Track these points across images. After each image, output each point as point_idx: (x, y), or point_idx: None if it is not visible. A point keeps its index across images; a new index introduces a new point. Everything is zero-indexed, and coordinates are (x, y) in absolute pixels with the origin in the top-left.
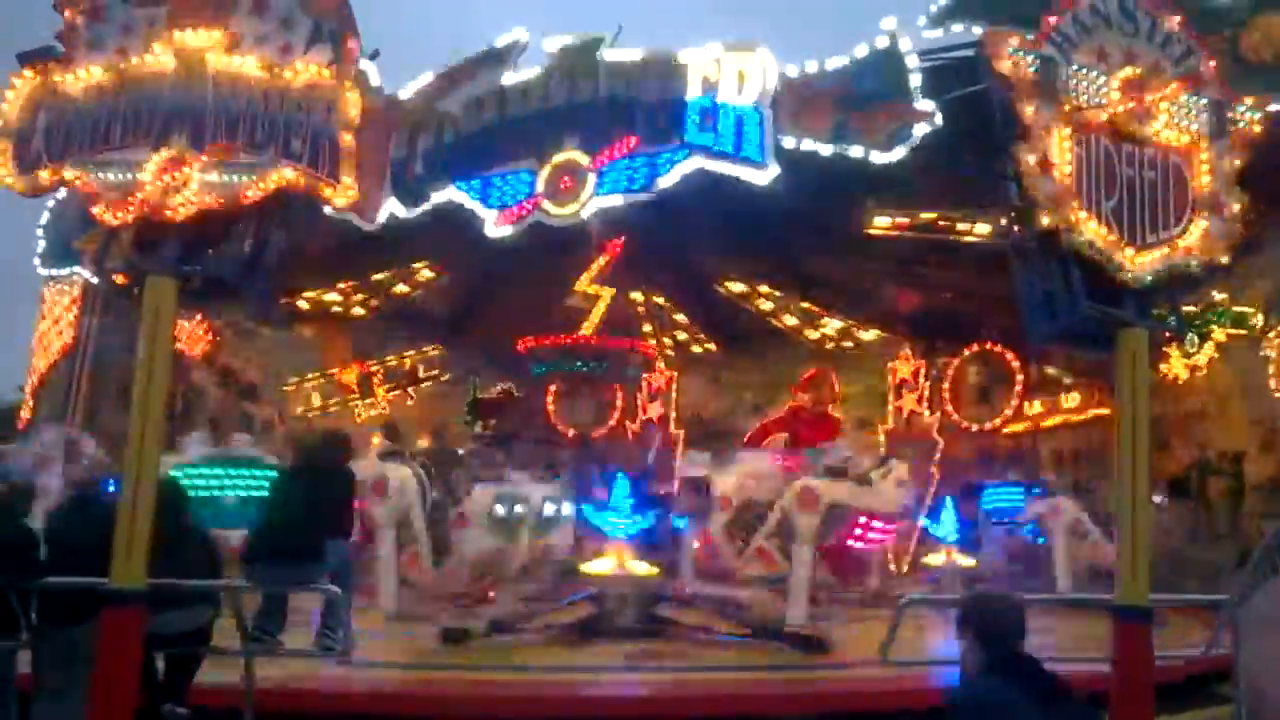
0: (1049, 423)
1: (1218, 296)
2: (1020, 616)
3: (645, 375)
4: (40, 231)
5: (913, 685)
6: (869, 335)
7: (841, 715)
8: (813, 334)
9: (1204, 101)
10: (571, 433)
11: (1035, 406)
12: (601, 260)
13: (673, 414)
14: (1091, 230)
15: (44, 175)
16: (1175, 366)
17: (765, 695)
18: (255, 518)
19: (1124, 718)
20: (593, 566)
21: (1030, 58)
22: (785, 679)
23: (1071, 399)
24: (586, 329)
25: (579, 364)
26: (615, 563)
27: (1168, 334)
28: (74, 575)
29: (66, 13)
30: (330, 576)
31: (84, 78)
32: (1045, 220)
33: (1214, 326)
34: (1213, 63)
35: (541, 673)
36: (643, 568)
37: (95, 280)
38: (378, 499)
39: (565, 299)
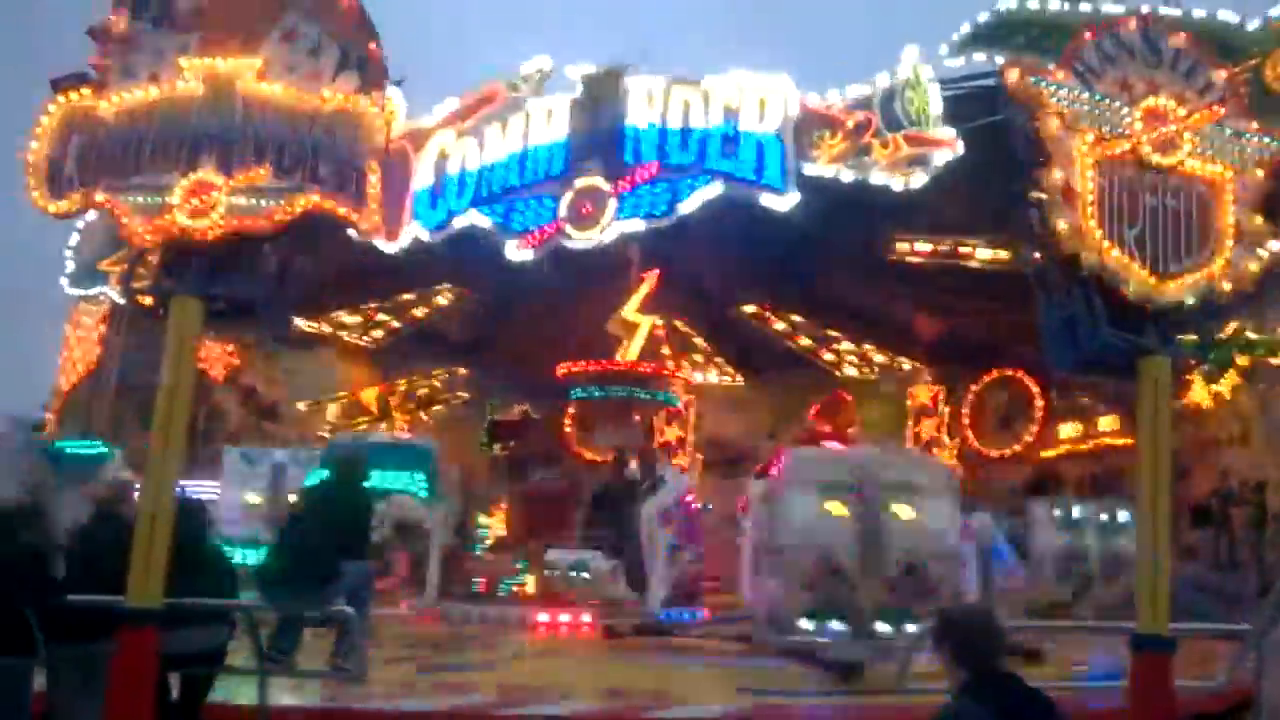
0: (1084, 447)
1: (1240, 324)
2: (999, 632)
3: (683, 401)
4: (68, 253)
5: None
6: (888, 361)
7: None
8: (831, 359)
9: (1228, 132)
10: (600, 457)
11: (1070, 430)
12: (644, 289)
13: (690, 438)
14: (1113, 258)
15: (75, 198)
16: (1198, 394)
17: None
18: (273, 540)
19: None
20: None
21: (1052, 88)
22: None
23: (1108, 422)
24: (624, 355)
25: (619, 389)
26: None
27: (1192, 362)
28: (93, 593)
29: (99, 39)
30: (346, 598)
31: (116, 103)
32: (1067, 248)
33: (1237, 354)
34: (1237, 93)
35: None
36: None
37: (121, 301)
38: None
39: (600, 324)
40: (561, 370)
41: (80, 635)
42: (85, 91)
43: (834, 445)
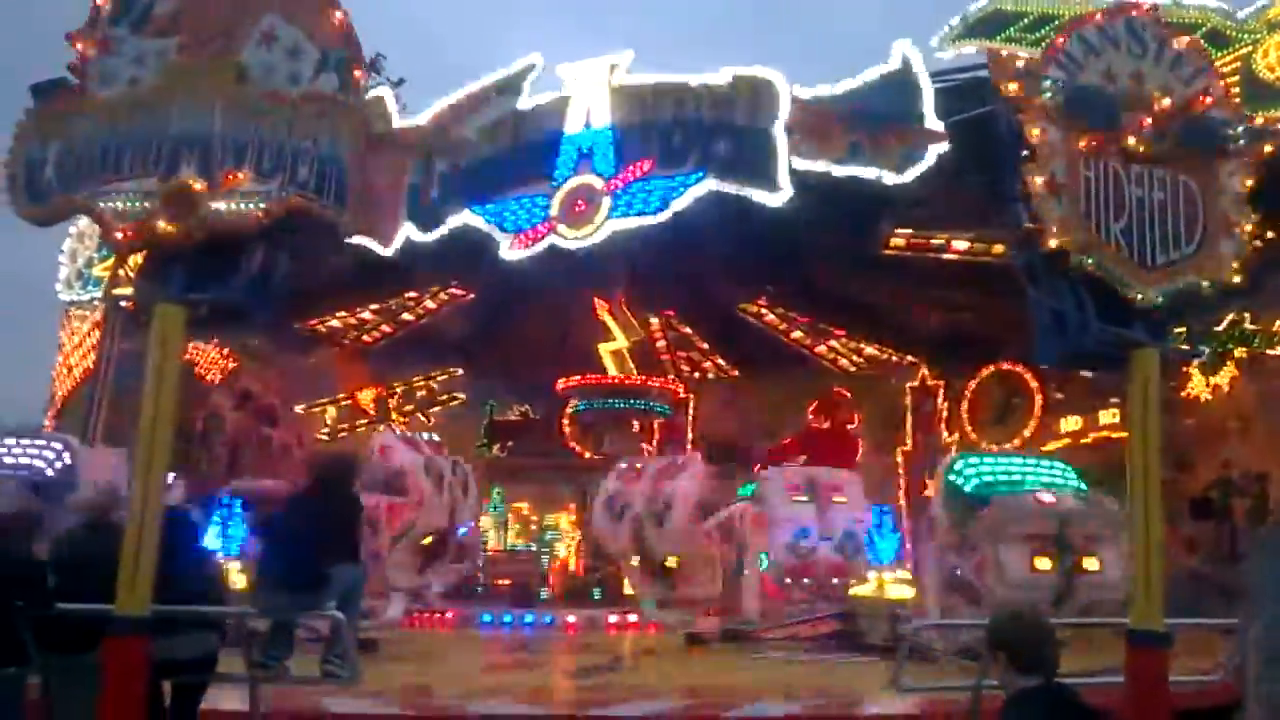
0: (1085, 440)
1: (1237, 316)
2: (1053, 638)
3: (674, 413)
4: (61, 257)
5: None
6: (886, 356)
7: None
8: (829, 355)
9: (1214, 121)
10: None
11: (1072, 422)
12: (607, 314)
13: (689, 436)
14: (1101, 251)
15: (55, 204)
16: (1197, 386)
17: None
18: (262, 544)
19: None
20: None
21: (1036, 79)
22: None
23: (1110, 415)
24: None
25: (616, 402)
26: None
27: (1185, 352)
28: (83, 602)
29: (79, 45)
30: (338, 603)
31: (95, 108)
32: (1054, 241)
33: (1234, 346)
34: (1223, 82)
35: None
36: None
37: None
38: None
39: (584, 330)
40: (560, 385)
41: (72, 645)
42: (65, 97)
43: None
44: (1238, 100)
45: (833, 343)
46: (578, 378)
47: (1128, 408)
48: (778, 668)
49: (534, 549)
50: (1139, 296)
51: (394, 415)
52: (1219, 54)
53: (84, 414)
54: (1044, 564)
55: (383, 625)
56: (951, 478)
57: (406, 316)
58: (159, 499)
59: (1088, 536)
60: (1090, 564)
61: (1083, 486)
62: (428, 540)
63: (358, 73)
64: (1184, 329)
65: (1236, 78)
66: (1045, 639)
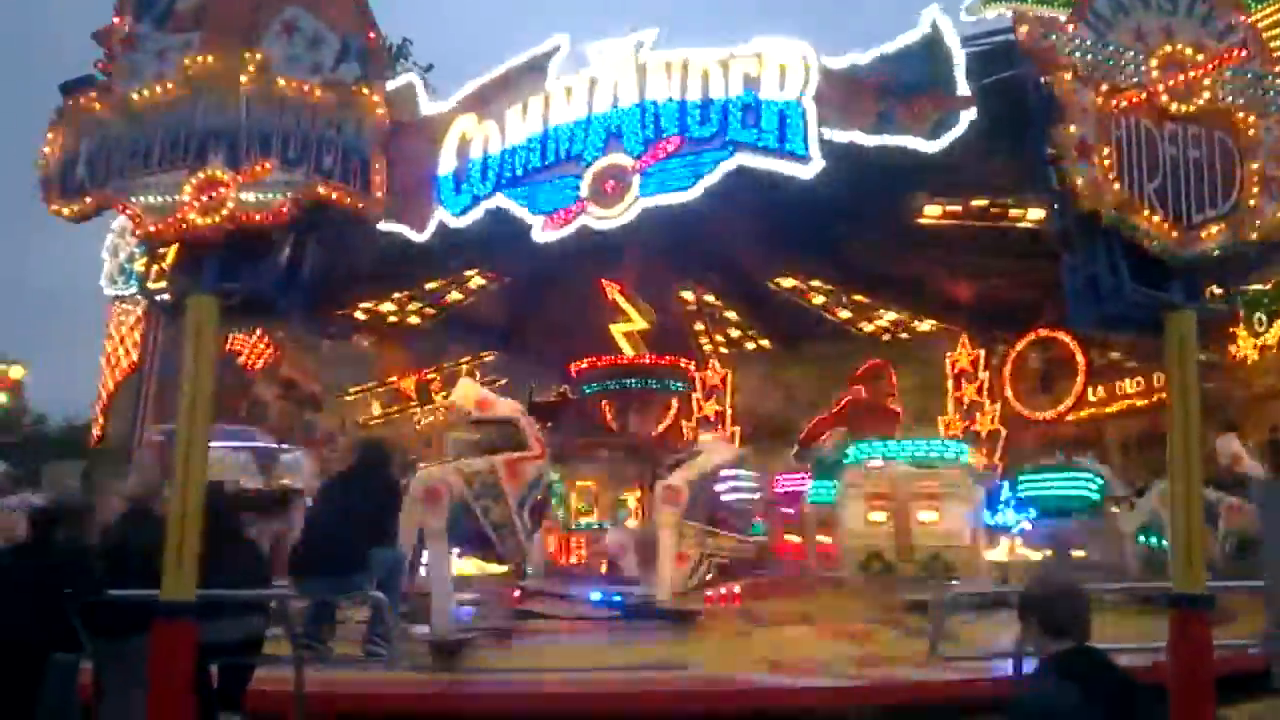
0: (1112, 409)
1: None
2: (1085, 606)
3: (690, 389)
4: (104, 254)
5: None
6: (925, 326)
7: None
8: (868, 327)
9: (1250, 76)
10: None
11: (1097, 393)
12: (614, 294)
13: (729, 411)
14: (1134, 213)
15: (87, 201)
16: (1244, 348)
17: None
18: (303, 528)
19: (1184, 710)
20: None
21: (1065, 39)
22: None
23: (1135, 384)
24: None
25: (625, 383)
26: None
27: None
28: (130, 588)
29: (104, 43)
30: (377, 584)
31: (122, 105)
32: (1086, 204)
33: None
34: (1258, 36)
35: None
36: None
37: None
38: None
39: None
40: (574, 369)
41: (121, 630)
42: (93, 95)
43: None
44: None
45: (872, 314)
46: (586, 361)
47: (1166, 371)
48: None
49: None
50: (1174, 257)
51: (436, 399)
52: (1260, 6)
53: (131, 405)
54: (877, 516)
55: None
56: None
57: (444, 301)
58: (201, 484)
59: (921, 495)
60: (926, 516)
61: (964, 457)
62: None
63: (379, 60)
64: (1226, 290)
65: (1278, 30)
66: (1076, 603)
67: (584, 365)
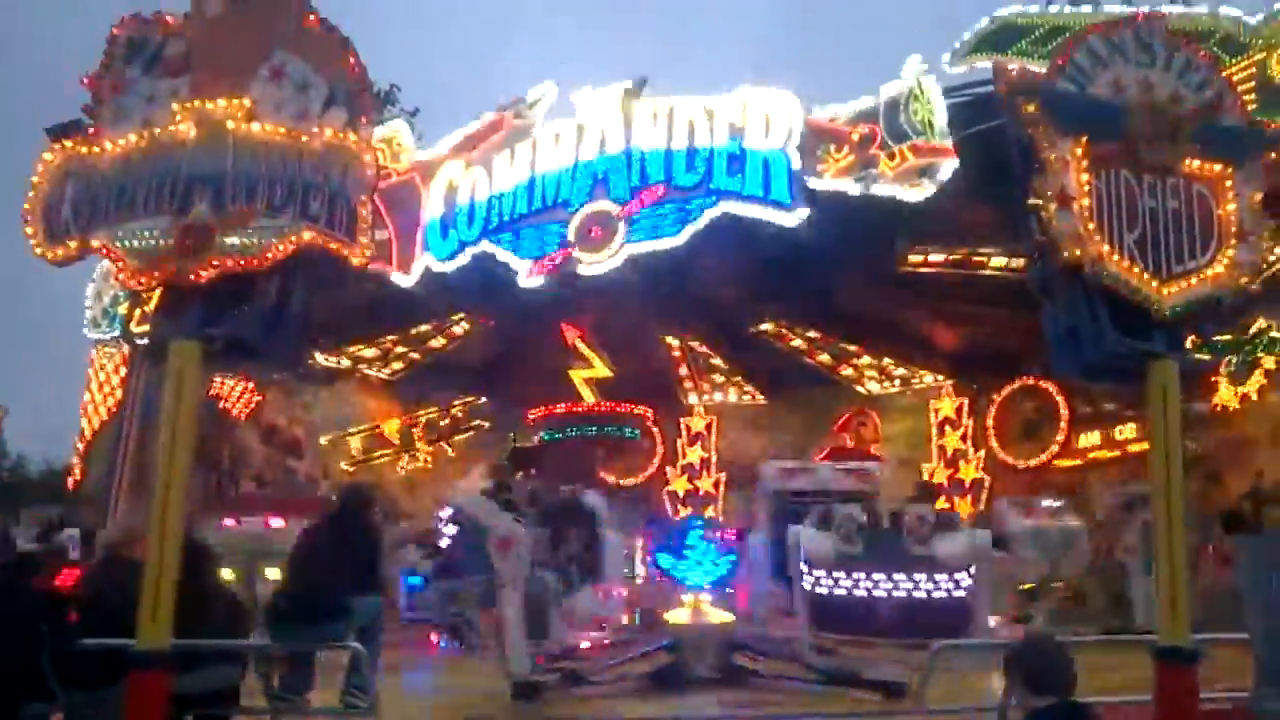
0: (1104, 455)
1: (1265, 324)
2: (1070, 663)
3: (641, 437)
4: (87, 297)
5: None
6: (910, 373)
7: None
8: (853, 374)
9: (1226, 128)
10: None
11: (1091, 438)
12: (575, 339)
13: (713, 458)
14: (1114, 263)
15: (72, 245)
16: (1225, 396)
17: None
18: (282, 577)
19: None
20: (673, 615)
21: (1043, 91)
22: None
23: (1127, 430)
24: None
25: (583, 429)
26: (692, 611)
27: (1204, 365)
28: (104, 636)
29: (92, 87)
30: (358, 634)
31: (109, 149)
32: (1066, 254)
33: (1262, 354)
34: (1237, 88)
35: None
36: (720, 615)
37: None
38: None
39: (615, 348)
40: (532, 416)
41: (94, 680)
42: (80, 139)
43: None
44: (1252, 106)
45: (856, 362)
46: (541, 409)
47: (1150, 420)
48: None
49: None
50: (1155, 308)
51: (417, 444)
52: (1233, 61)
53: (111, 448)
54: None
55: None
56: None
57: (429, 345)
58: (178, 532)
59: None
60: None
61: None
62: None
63: (367, 105)
64: (1202, 340)
65: (1251, 84)
66: (1059, 659)
67: (540, 412)
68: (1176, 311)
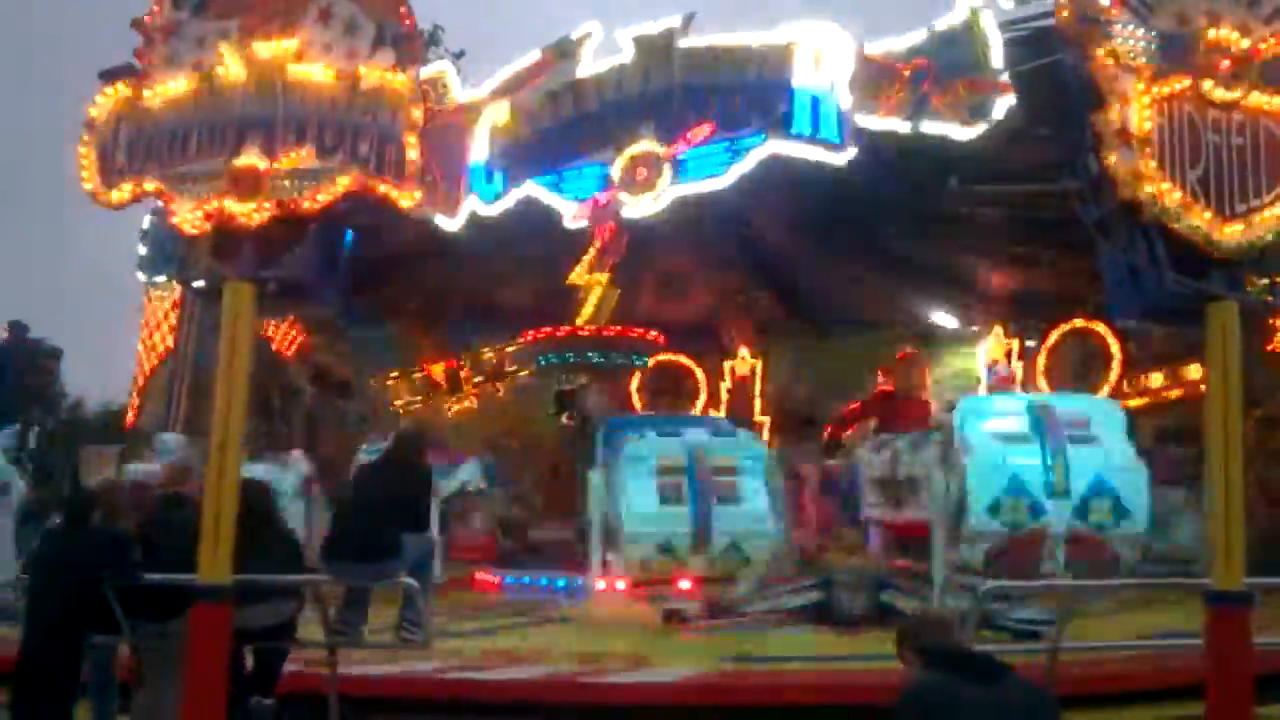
0: (1172, 395)
1: None
2: (948, 624)
3: (652, 363)
4: (140, 240)
5: None
6: (960, 316)
7: None
8: (901, 316)
9: None
10: None
11: (1156, 379)
12: (594, 249)
13: (758, 401)
14: (1175, 201)
15: (126, 188)
16: None
17: None
18: (336, 514)
19: (1222, 708)
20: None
21: (1105, 25)
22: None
23: (1196, 370)
24: (584, 319)
25: (580, 356)
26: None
27: (1264, 306)
28: (166, 572)
29: (143, 31)
30: (410, 570)
31: (161, 93)
32: (1126, 193)
33: None
34: None
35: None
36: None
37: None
38: None
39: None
40: (528, 338)
41: (158, 613)
42: (132, 82)
43: None
44: None
45: (906, 304)
46: (541, 330)
47: (1207, 362)
48: None
49: None
50: (1217, 247)
51: (465, 386)
52: None
53: (166, 390)
54: None
55: None
56: None
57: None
58: (236, 470)
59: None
60: None
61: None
62: None
63: (415, 47)
64: (1266, 279)
65: None
66: (945, 629)
67: (538, 335)
68: (1239, 251)
